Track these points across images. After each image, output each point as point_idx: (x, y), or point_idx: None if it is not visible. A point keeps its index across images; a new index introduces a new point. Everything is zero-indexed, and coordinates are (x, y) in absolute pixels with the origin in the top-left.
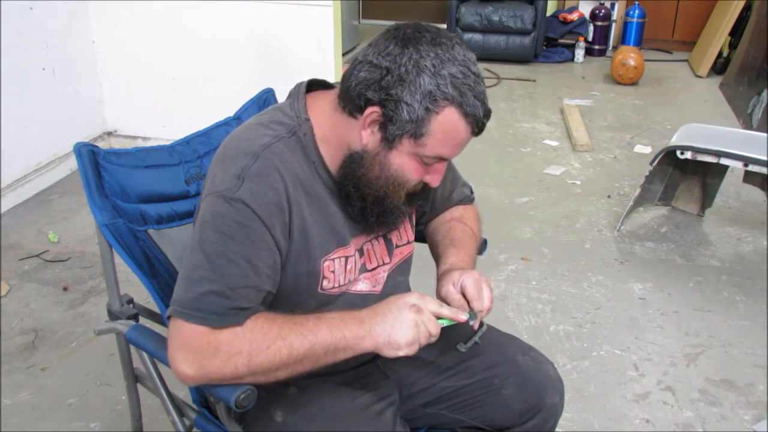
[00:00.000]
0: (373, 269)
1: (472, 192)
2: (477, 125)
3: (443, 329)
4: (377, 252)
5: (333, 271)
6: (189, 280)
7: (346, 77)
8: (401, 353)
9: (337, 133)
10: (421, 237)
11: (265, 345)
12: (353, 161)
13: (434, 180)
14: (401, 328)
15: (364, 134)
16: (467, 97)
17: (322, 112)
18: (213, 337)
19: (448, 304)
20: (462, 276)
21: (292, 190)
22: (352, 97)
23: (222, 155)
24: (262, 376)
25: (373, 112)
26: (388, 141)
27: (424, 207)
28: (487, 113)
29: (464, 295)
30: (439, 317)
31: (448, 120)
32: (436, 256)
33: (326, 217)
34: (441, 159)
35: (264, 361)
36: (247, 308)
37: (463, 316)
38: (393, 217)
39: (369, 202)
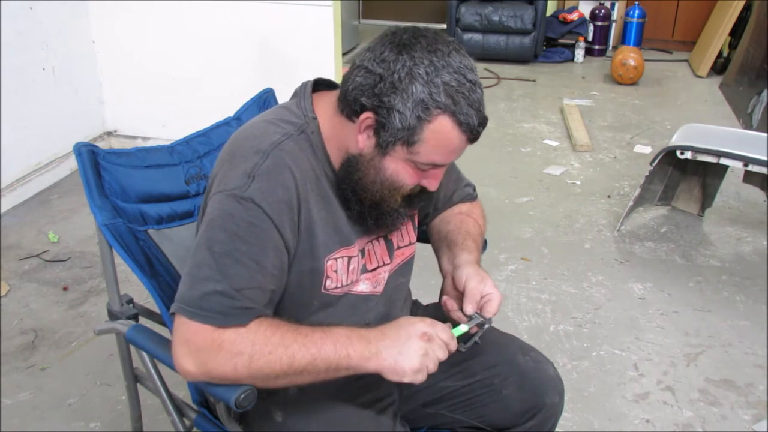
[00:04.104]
0: (374, 270)
1: (475, 190)
2: (471, 133)
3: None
4: (377, 252)
5: (336, 271)
6: (194, 278)
7: (344, 81)
8: (405, 380)
9: (337, 135)
10: (423, 237)
11: (267, 350)
12: (350, 164)
13: (431, 184)
14: (409, 355)
15: (360, 138)
16: (461, 106)
17: (326, 112)
18: (217, 335)
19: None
20: (490, 291)
21: (302, 188)
22: (349, 102)
23: (230, 153)
24: (261, 382)
25: (367, 117)
26: (382, 147)
27: (427, 209)
28: (483, 121)
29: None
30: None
31: (440, 128)
32: (449, 242)
33: (332, 216)
34: (436, 165)
35: (264, 366)
36: (251, 308)
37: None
38: (391, 219)
39: (366, 206)
